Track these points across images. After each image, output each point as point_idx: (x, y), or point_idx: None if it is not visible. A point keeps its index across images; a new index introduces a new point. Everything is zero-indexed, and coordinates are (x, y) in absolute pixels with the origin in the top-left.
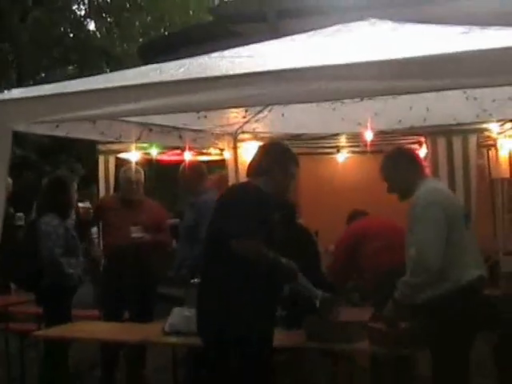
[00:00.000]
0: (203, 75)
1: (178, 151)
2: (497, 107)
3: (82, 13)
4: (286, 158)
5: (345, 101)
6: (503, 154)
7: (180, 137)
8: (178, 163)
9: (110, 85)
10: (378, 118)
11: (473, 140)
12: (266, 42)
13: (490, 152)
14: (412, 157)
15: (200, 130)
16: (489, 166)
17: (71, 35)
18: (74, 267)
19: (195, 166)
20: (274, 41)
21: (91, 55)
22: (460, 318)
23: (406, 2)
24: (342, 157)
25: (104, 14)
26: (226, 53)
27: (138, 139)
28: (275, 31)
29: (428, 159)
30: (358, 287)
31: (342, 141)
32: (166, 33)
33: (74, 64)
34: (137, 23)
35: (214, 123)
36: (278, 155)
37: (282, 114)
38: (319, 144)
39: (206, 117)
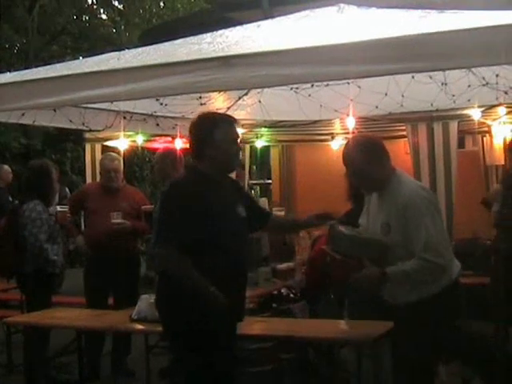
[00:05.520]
0: (157, 62)
1: (170, 139)
2: (474, 93)
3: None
4: (211, 128)
5: (317, 87)
6: (498, 141)
7: (157, 124)
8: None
9: (68, 72)
10: (355, 104)
11: (453, 126)
12: (232, 29)
13: (484, 139)
14: (379, 145)
15: (180, 118)
16: (483, 152)
17: (80, 23)
18: (57, 253)
19: (168, 154)
20: (239, 27)
21: (98, 43)
22: (449, 313)
23: None
24: (336, 144)
25: (112, 2)
26: (189, 39)
27: (110, 127)
28: (269, 17)
29: (409, 146)
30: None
31: (337, 127)
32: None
33: (84, 52)
34: (141, 11)
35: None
36: (200, 132)
37: (259, 101)
38: (314, 131)
39: (166, 105)
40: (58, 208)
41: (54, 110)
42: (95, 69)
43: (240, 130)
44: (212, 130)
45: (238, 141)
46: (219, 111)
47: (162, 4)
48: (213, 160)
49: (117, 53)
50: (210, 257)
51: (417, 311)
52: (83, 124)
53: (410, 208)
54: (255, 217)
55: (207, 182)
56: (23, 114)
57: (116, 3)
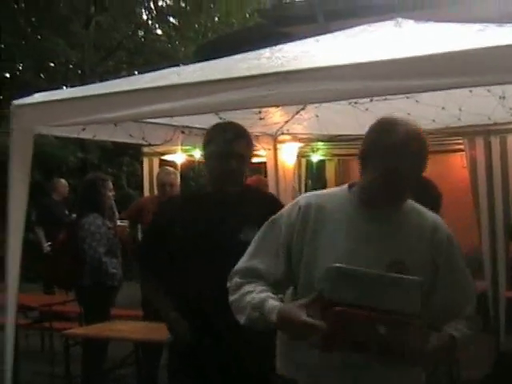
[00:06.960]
0: (216, 77)
1: None
2: None
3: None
4: (207, 140)
5: (375, 101)
6: None
7: None
8: None
9: (130, 88)
10: (412, 118)
11: (511, 140)
12: (290, 44)
13: None
14: None
15: None
16: None
17: (135, 38)
18: (115, 267)
19: None
20: (298, 42)
21: (153, 58)
22: None
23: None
24: None
25: (167, 17)
26: (248, 54)
27: (168, 141)
28: (325, 32)
29: (466, 160)
30: None
31: None
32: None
33: (139, 67)
34: (196, 25)
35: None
36: (204, 141)
37: (316, 115)
38: None
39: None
40: (119, 222)
41: (115, 125)
42: (156, 84)
43: (297, 144)
44: (206, 144)
45: (238, 157)
46: (276, 125)
47: (216, 19)
48: (207, 176)
49: (176, 68)
50: (185, 273)
51: None
52: (143, 138)
53: (454, 242)
54: None
55: (198, 200)
56: (84, 129)
57: (171, 18)
